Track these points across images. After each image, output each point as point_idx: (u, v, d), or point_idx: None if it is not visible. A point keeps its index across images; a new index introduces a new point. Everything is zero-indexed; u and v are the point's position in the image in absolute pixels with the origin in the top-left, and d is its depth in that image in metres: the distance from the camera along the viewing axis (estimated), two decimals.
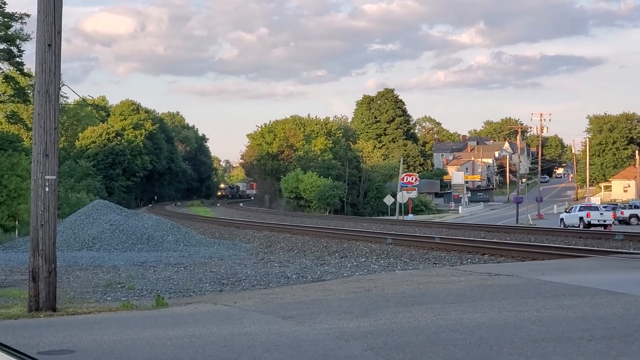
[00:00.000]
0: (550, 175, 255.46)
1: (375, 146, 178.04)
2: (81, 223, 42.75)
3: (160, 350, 11.07)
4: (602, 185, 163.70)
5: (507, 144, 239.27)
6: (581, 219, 69.64)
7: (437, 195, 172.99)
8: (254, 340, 11.58)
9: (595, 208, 74.70)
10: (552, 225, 70.85)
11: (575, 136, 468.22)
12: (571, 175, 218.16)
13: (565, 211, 78.69)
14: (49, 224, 15.67)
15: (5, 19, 71.29)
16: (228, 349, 11.01)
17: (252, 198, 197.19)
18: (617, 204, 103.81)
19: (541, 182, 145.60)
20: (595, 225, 66.74)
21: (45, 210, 15.65)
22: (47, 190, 15.66)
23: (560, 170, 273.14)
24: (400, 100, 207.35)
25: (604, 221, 68.79)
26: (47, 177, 15.65)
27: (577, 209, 73.59)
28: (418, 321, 12.84)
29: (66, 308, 16.08)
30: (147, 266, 29.38)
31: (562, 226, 70.37)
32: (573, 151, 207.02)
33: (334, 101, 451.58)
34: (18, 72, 75.93)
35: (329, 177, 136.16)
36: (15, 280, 24.04)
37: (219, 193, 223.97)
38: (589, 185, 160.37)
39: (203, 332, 12.47)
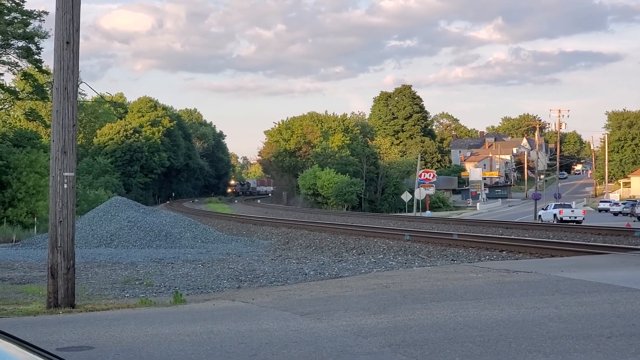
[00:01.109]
0: (569, 172, 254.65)
1: (392, 143, 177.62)
2: (99, 220, 42.88)
3: (179, 346, 11.10)
4: (621, 181, 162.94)
5: (525, 141, 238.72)
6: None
7: (454, 191, 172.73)
8: (272, 337, 11.60)
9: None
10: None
11: (593, 132, 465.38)
12: (590, 171, 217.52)
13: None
14: (67, 220, 15.72)
15: (24, 17, 71.60)
16: (246, 345, 11.02)
17: (270, 194, 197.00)
18: (636, 201, 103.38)
19: (559, 179, 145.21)
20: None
21: (63, 207, 15.69)
22: (65, 187, 15.70)
23: (578, 167, 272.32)
24: (418, 97, 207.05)
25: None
26: (65, 174, 15.70)
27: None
28: (436, 318, 12.83)
29: (85, 304, 16.14)
30: (165, 263, 29.45)
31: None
32: (592, 147, 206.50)
33: (352, 98, 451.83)
34: (36, 70, 76.17)
35: (347, 174, 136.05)
36: (34, 276, 24.15)
37: (229, 190, 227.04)
38: (608, 182, 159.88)
39: (221, 328, 12.49)
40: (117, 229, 41.00)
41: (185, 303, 16.08)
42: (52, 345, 10.96)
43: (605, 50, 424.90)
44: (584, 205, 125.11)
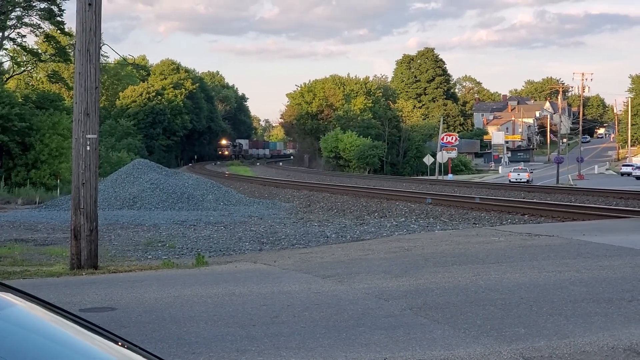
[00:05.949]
0: (592, 136, 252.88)
1: (415, 106, 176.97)
2: (122, 182, 42.99)
3: (201, 308, 11.17)
4: None
5: (548, 104, 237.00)
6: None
7: (477, 155, 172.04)
8: (294, 299, 11.64)
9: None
10: (593, 186, 70.35)
11: (617, 96, 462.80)
12: (612, 135, 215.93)
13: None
14: (90, 182, 15.79)
15: None
16: (268, 307, 11.08)
17: (291, 156, 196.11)
18: None
19: (582, 142, 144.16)
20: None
21: (86, 169, 15.75)
22: (88, 149, 15.75)
23: (601, 131, 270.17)
24: (441, 60, 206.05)
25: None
26: (88, 136, 15.74)
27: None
28: (457, 281, 12.85)
29: (107, 266, 16.24)
30: (187, 225, 29.54)
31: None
32: (615, 111, 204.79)
33: (375, 61, 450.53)
34: (59, 32, 76.23)
35: (369, 137, 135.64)
36: (57, 238, 24.30)
37: (220, 152, 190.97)
38: (631, 146, 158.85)
39: (243, 290, 12.54)
40: (139, 191, 41.10)
41: (207, 265, 16.15)
42: (75, 306, 11.05)
43: (631, 12, 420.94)
44: (607, 169, 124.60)
